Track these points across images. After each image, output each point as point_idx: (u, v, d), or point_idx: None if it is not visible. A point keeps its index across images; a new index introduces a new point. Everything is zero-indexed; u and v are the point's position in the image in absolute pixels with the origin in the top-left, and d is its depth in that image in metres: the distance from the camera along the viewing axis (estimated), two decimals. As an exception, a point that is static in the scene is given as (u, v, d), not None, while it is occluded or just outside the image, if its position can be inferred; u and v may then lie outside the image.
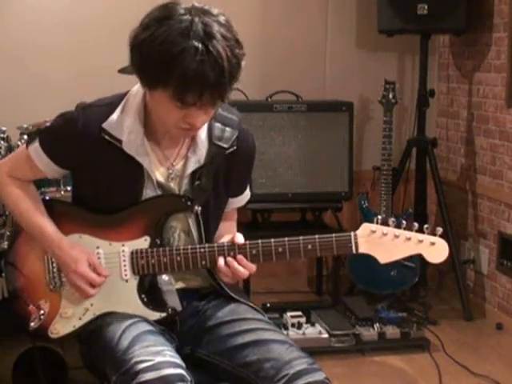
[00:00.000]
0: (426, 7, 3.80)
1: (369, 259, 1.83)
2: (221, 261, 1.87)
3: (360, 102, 4.31)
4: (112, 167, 1.89)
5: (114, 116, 1.87)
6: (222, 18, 1.72)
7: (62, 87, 3.88)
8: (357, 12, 4.30)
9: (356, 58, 4.33)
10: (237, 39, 1.72)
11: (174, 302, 1.94)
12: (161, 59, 1.66)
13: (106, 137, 1.86)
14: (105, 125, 1.86)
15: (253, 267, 1.88)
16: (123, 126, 1.86)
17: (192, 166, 1.92)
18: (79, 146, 1.89)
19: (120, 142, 1.86)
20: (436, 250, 1.81)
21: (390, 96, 3.85)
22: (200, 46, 1.64)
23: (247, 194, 2.12)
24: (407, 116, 4.41)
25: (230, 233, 2.01)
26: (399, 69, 4.40)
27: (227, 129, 1.93)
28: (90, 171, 1.92)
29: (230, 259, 1.87)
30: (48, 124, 2.02)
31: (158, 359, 1.71)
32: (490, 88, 3.90)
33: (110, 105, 1.89)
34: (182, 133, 1.83)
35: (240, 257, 1.87)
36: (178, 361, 1.76)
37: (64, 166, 1.98)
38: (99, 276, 1.90)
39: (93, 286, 1.90)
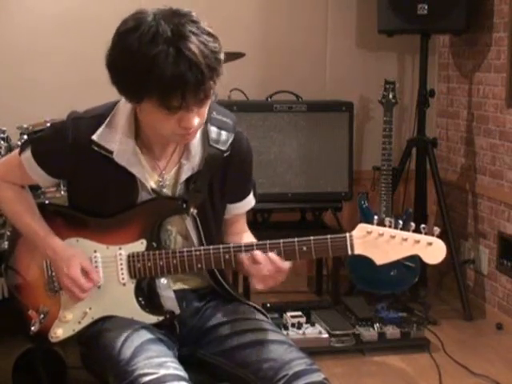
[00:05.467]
0: (426, 7, 3.80)
1: (368, 259, 1.82)
2: (244, 259, 1.83)
3: (360, 102, 4.31)
4: (105, 177, 1.89)
5: (104, 127, 1.87)
6: (191, 16, 1.70)
7: (62, 88, 3.89)
8: (357, 12, 4.30)
9: (356, 58, 4.33)
10: (209, 33, 1.69)
11: (172, 305, 1.94)
12: (137, 72, 1.65)
13: (96, 148, 1.86)
14: (94, 137, 1.86)
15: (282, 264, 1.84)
16: (114, 136, 1.86)
17: (186, 173, 1.91)
18: (70, 158, 1.89)
19: (111, 152, 1.86)
20: (433, 250, 1.78)
21: (390, 96, 3.85)
22: (170, 48, 1.62)
23: (249, 201, 2.08)
24: (407, 116, 4.41)
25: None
26: (399, 69, 4.40)
27: (223, 132, 1.91)
28: (82, 181, 1.93)
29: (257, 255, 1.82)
30: (40, 133, 2.03)
31: (162, 372, 1.70)
32: (490, 88, 3.90)
33: (99, 116, 1.89)
34: (180, 139, 1.82)
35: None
36: (182, 373, 1.75)
37: (56, 176, 2.00)
38: (89, 282, 1.89)
39: (83, 290, 1.90)
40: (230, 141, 1.92)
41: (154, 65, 1.62)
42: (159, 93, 1.65)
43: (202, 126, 1.84)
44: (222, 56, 1.70)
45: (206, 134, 1.90)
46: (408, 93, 4.37)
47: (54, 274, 1.98)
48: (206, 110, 1.78)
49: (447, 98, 4.36)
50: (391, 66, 4.37)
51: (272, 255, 1.83)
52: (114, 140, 1.86)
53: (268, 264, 1.83)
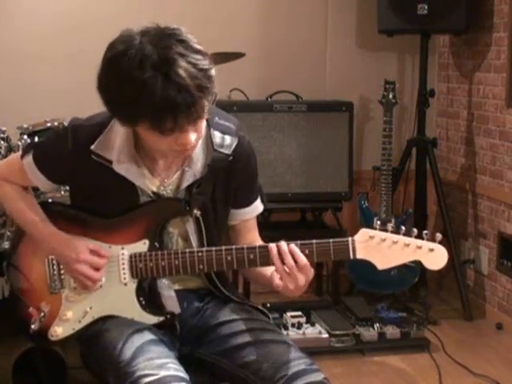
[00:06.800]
0: (426, 7, 3.81)
1: (369, 263, 1.82)
2: (277, 261, 1.80)
3: (360, 102, 4.31)
4: (104, 185, 1.90)
5: (104, 136, 1.87)
6: (178, 35, 1.67)
7: (62, 88, 3.89)
8: (357, 12, 4.30)
9: (356, 58, 4.33)
10: (198, 50, 1.67)
11: (172, 305, 1.93)
12: (127, 98, 1.65)
13: (96, 158, 1.87)
14: (93, 146, 1.86)
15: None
16: (113, 145, 1.86)
17: (188, 180, 1.90)
18: (71, 165, 1.90)
19: (110, 162, 1.86)
20: (435, 256, 1.78)
21: (390, 96, 3.85)
22: (158, 73, 1.61)
23: (256, 207, 2.06)
24: (407, 116, 4.41)
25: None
26: (399, 69, 4.40)
27: (226, 136, 1.91)
28: (82, 187, 1.94)
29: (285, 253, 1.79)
30: (42, 139, 2.03)
31: (163, 373, 1.70)
32: (490, 88, 3.90)
33: (100, 124, 1.89)
34: (179, 154, 1.82)
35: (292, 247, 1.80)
36: (183, 374, 1.75)
37: (56, 181, 2.02)
38: (101, 258, 1.90)
39: (97, 269, 1.90)
40: (234, 145, 1.92)
41: (144, 90, 1.62)
42: (151, 117, 1.66)
43: (200, 140, 1.82)
44: (212, 72, 1.69)
45: (209, 139, 1.89)
46: (408, 93, 4.37)
47: (56, 272, 1.98)
48: (202, 125, 1.77)
49: (447, 98, 4.36)
50: (391, 66, 4.37)
51: (293, 247, 1.81)
52: (114, 149, 1.86)
53: (288, 256, 1.80)
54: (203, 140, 1.88)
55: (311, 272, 1.83)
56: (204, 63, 1.67)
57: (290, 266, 1.80)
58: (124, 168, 1.87)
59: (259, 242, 2.06)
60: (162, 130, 1.67)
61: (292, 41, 4.23)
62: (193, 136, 1.74)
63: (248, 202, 2.04)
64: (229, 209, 2.01)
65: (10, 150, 3.06)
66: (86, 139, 1.87)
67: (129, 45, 1.66)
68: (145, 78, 1.61)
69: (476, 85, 4.04)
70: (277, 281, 1.83)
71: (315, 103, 3.98)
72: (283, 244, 1.82)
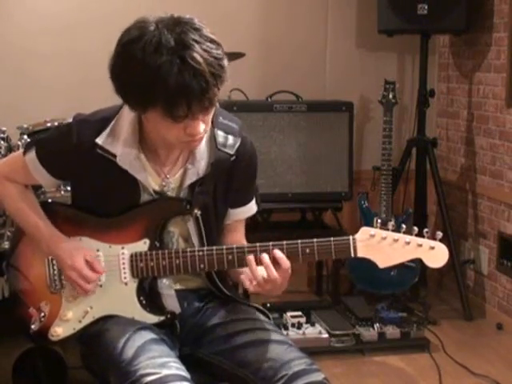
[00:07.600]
0: (426, 7, 3.81)
1: (370, 261, 1.83)
2: (251, 261, 1.81)
3: (360, 102, 4.31)
4: (108, 180, 1.90)
5: (109, 130, 1.87)
6: (193, 23, 1.69)
7: (62, 88, 3.89)
8: (357, 12, 4.30)
9: (356, 58, 4.33)
10: (212, 39, 1.69)
11: (173, 305, 1.94)
12: (141, 82, 1.65)
13: (100, 151, 1.87)
14: (98, 140, 1.86)
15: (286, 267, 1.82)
16: (118, 140, 1.86)
17: (191, 178, 1.91)
18: (74, 160, 1.90)
19: (114, 156, 1.86)
20: (435, 254, 1.80)
21: (390, 96, 3.85)
22: (174, 58, 1.62)
23: (251, 208, 2.08)
24: (407, 116, 4.41)
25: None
26: (399, 69, 4.40)
27: (229, 136, 1.92)
28: (85, 183, 1.94)
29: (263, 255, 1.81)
30: (45, 135, 2.03)
31: (165, 372, 1.70)
32: (490, 88, 3.90)
33: (104, 119, 1.89)
34: (186, 146, 1.82)
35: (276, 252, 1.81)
36: (184, 373, 1.75)
37: (59, 178, 2.00)
38: (94, 273, 1.90)
39: (88, 281, 1.90)
40: (236, 145, 1.92)
41: (159, 75, 1.62)
42: (164, 103, 1.65)
43: (207, 132, 1.83)
44: (225, 62, 1.70)
45: (213, 139, 1.90)
46: (408, 93, 4.38)
47: (55, 272, 1.99)
48: (210, 116, 1.78)
49: (447, 98, 4.36)
50: (391, 66, 4.37)
51: (277, 252, 1.82)
52: (118, 143, 1.86)
53: (271, 267, 1.81)
54: (207, 139, 1.89)
55: (288, 271, 1.83)
56: (218, 52, 1.69)
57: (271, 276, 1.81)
58: (128, 163, 1.87)
59: (245, 242, 2.07)
60: (175, 116, 1.67)
61: (292, 41, 4.23)
62: (202, 126, 1.74)
63: (245, 202, 2.05)
64: (227, 208, 2.02)
65: (10, 150, 3.07)
66: (91, 134, 1.87)
67: (144, 31, 1.67)
68: (160, 63, 1.62)
69: (476, 85, 4.04)
70: (246, 284, 1.85)
71: (315, 103, 3.98)
72: (265, 256, 1.82)
